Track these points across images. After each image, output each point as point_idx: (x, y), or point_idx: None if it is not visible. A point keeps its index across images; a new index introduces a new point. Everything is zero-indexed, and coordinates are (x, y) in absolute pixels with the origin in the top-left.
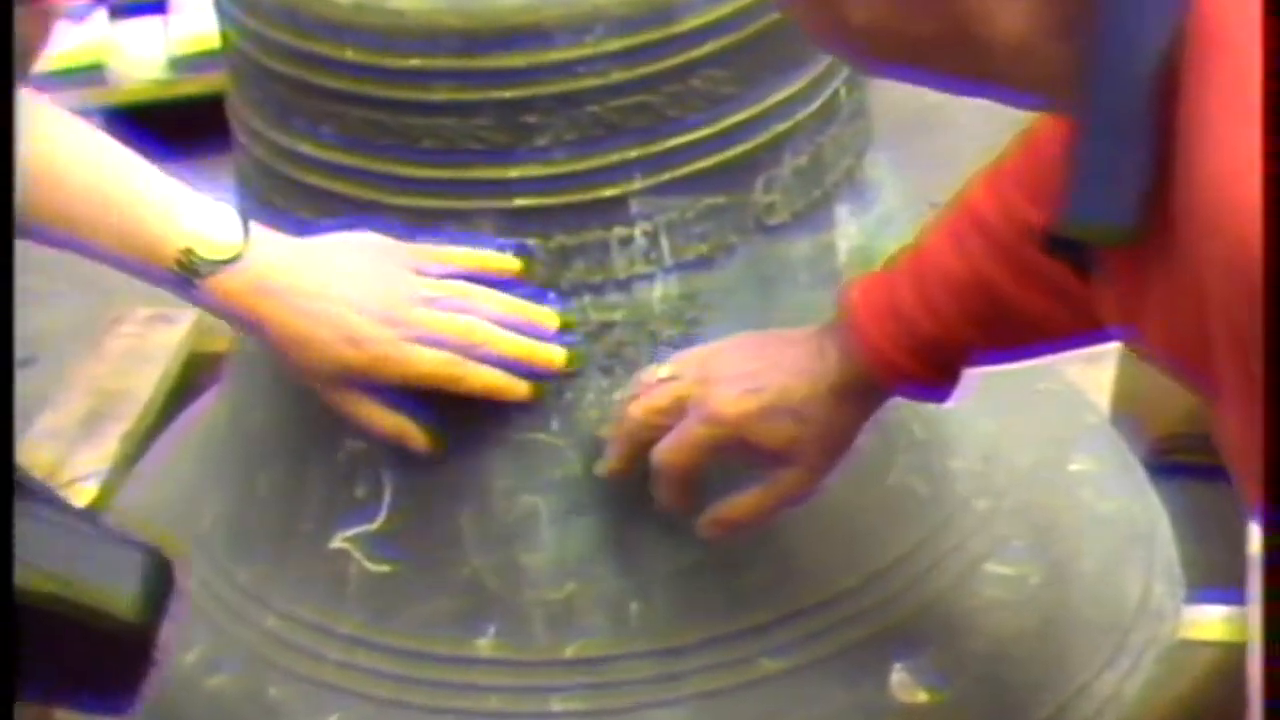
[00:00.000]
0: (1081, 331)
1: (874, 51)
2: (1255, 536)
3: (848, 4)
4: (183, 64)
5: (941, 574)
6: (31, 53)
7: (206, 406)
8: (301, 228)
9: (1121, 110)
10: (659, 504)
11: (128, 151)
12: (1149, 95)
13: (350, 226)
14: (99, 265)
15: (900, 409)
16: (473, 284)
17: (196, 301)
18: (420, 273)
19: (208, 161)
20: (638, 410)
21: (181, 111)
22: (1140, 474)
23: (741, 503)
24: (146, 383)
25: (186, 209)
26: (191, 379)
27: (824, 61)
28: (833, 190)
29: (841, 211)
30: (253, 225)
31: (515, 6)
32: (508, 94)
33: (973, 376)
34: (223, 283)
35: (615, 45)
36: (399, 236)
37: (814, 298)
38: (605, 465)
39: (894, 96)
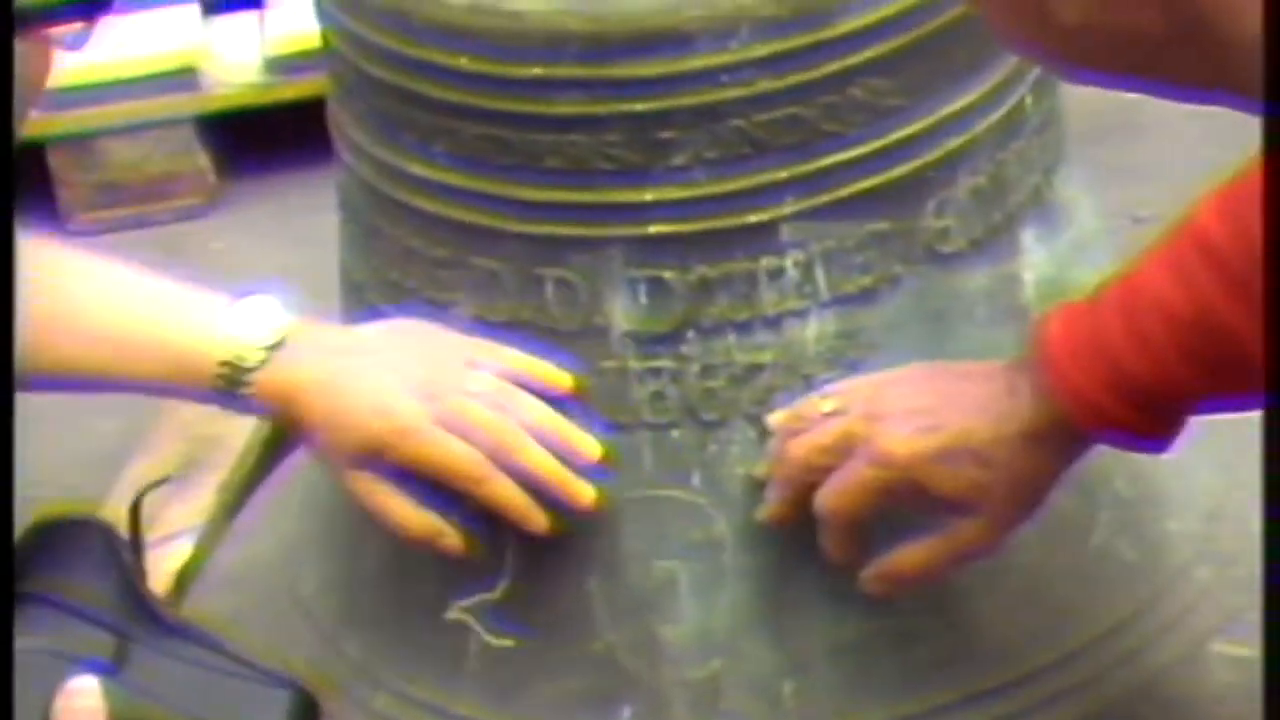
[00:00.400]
0: None
1: (1085, 56)
2: None
3: (1055, 1)
4: (280, 65)
5: (1158, 653)
6: (37, 86)
7: (307, 459)
8: (408, 256)
9: None
10: (825, 556)
11: (145, 278)
12: None
13: (457, 261)
14: None
15: (1103, 459)
16: (523, 391)
17: (244, 411)
18: (471, 365)
19: (308, 175)
20: (799, 449)
21: (279, 118)
22: None
23: (914, 555)
24: (241, 428)
25: (219, 324)
26: None
27: (1007, 65)
28: (1017, 213)
29: (1027, 237)
30: (298, 318)
31: (649, 8)
32: (641, 107)
33: (1193, 424)
34: (263, 378)
35: (763, 51)
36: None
37: (994, 336)
38: (765, 511)
39: (1082, 96)
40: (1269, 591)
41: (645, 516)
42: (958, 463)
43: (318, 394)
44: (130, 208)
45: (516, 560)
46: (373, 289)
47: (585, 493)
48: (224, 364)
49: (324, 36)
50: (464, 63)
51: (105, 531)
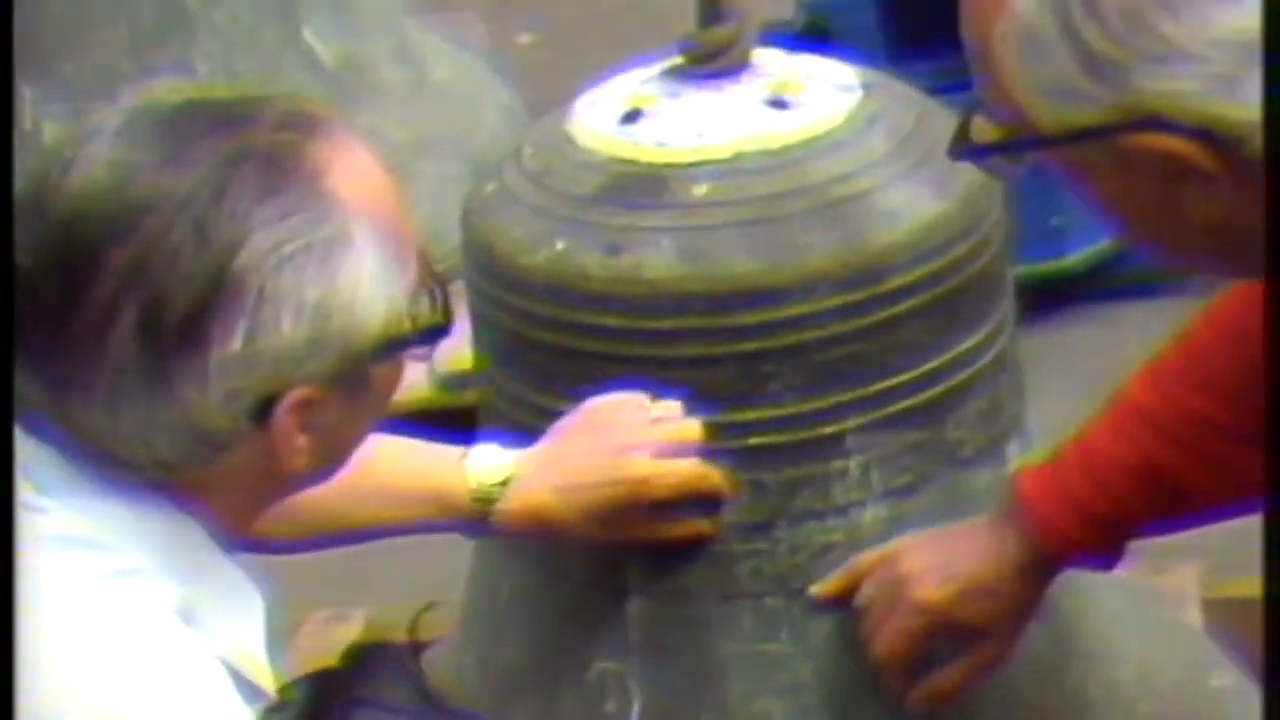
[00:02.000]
0: (1235, 502)
1: (1195, 247)
2: None
3: (1191, 208)
4: (449, 381)
5: None
6: (391, 395)
7: None
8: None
9: None
10: (882, 687)
11: (397, 439)
12: None
13: None
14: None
15: (1070, 624)
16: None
17: (496, 533)
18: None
19: None
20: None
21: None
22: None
23: (949, 676)
24: None
25: (464, 457)
26: None
27: (998, 317)
28: (1006, 430)
29: (1012, 449)
30: (519, 456)
31: (752, 270)
32: (747, 347)
33: (1122, 597)
34: (510, 502)
35: (835, 302)
36: None
37: None
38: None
39: None
40: (1269, 591)
41: (747, 667)
42: (977, 600)
43: (564, 494)
44: None
45: (643, 707)
46: None
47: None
48: (476, 499)
49: (475, 356)
50: (610, 321)
51: (398, 648)
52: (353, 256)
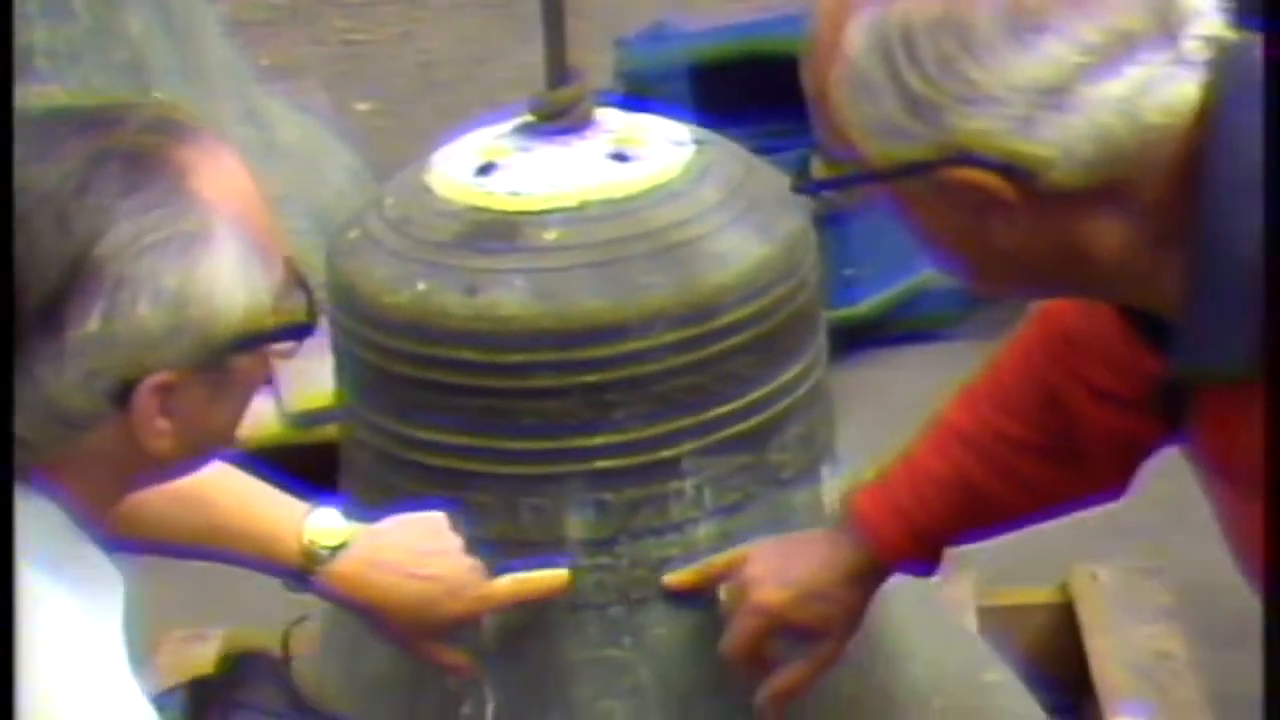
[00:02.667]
0: (1037, 514)
1: (1002, 274)
2: None
3: (997, 235)
4: (299, 419)
5: None
6: (256, 387)
7: None
8: (414, 501)
9: (1229, 284)
10: (738, 684)
11: (251, 478)
12: (1250, 270)
13: (456, 500)
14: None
15: (880, 629)
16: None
17: (314, 590)
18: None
19: None
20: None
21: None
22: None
23: (790, 675)
24: None
25: (305, 515)
26: None
27: (813, 351)
28: (820, 454)
29: (825, 471)
30: (354, 526)
31: (598, 308)
32: (594, 379)
33: (914, 605)
34: (338, 569)
35: (672, 337)
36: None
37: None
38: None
39: None
40: (1269, 592)
41: (592, 671)
42: (811, 604)
43: (396, 585)
44: None
45: (497, 709)
46: None
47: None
48: (304, 553)
49: (336, 392)
50: (466, 354)
51: (271, 658)
52: (213, 250)
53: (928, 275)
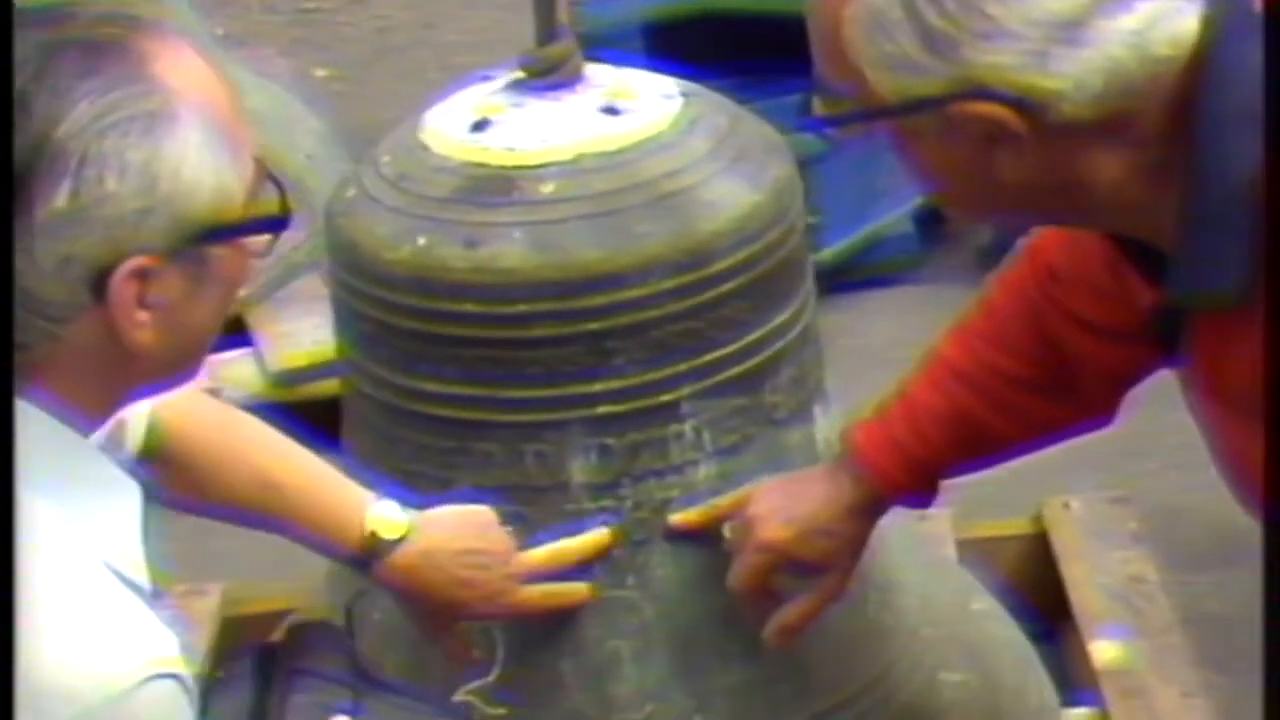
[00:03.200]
0: (1031, 444)
1: (1004, 204)
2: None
3: (1001, 167)
4: (285, 378)
5: (912, 681)
6: (236, 283)
7: None
8: (421, 451)
9: (1223, 212)
10: (747, 618)
11: (320, 462)
12: (1244, 198)
13: (462, 449)
14: None
15: (871, 561)
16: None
17: (373, 577)
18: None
19: None
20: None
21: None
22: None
23: (796, 609)
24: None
25: (369, 502)
26: (228, 641)
27: (803, 295)
28: (812, 395)
29: (817, 411)
30: (417, 517)
31: (596, 257)
32: (594, 327)
33: (901, 539)
34: (396, 560)
35: (669, 284)
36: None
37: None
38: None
39: None
40: (1270, 592)
41: (598, 611)
42: (814, 539)
43: (443, 585)
44: None
45: (507, 652)
46: (389, 481)
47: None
48: (369, 535)
49: (339, 345)
50: (469, 307)
51: (334, 626)
52: (178, 129)
53: (887, 221)
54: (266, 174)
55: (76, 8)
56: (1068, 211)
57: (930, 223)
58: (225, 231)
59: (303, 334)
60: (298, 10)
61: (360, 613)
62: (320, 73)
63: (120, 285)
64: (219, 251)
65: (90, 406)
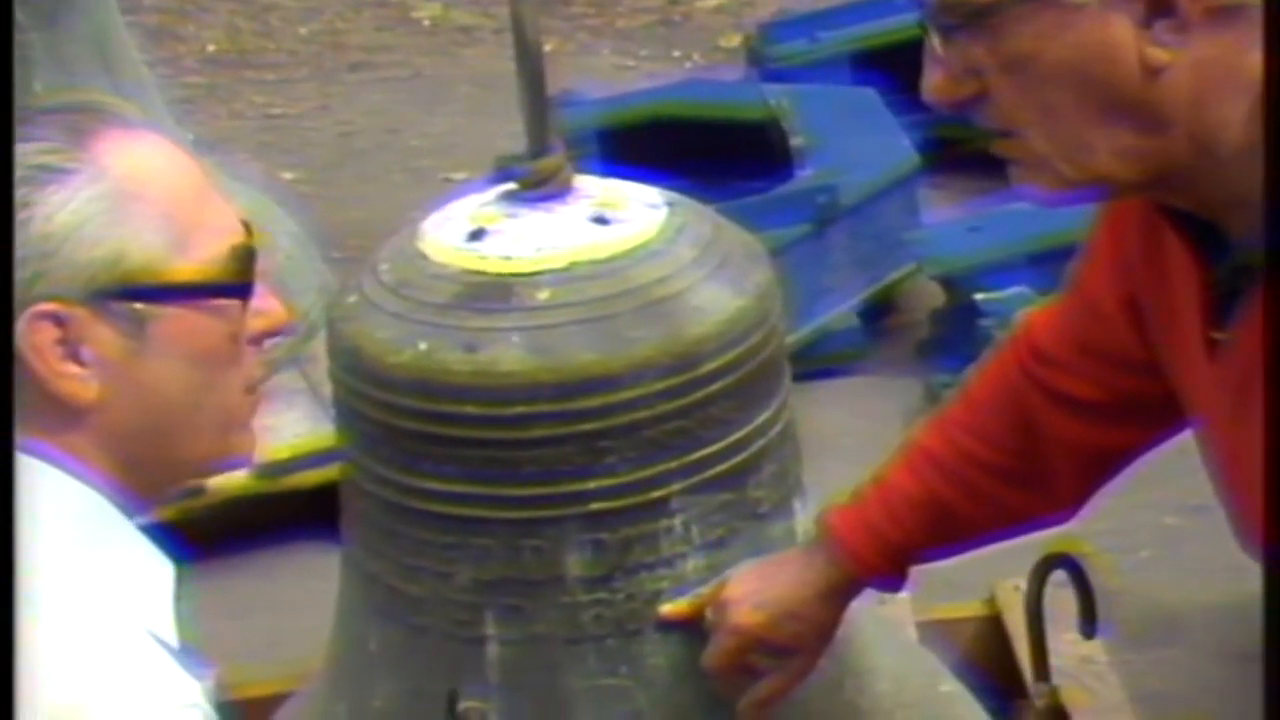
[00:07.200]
0: (1000, 533)
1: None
2: None
3: (1155, 55)
4: (271, 469)
5: None
6: (197, 354)
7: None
8: (421, 547)
9: None
10: (722, 697)
11: None
12: None
13: (461, 544)
14: None
15: (846, 646)
16: None
17: None
18: None
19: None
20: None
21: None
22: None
23: (767, 687)
24: None
25: None
26: None
27: (783, 394)
28: (792, 489)
29: (797, 505)
30: None
31: (591, 361)
32: (589, 427)
33: (873, 624)
34: None
35: (660, 386)
36: None
37: None
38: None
39: None
40: (1270, 591)
41: (592, 699)
42: (784, 623)
43: None
44: None
45: None
46: (388, 574)
47: None
48: None
49: (339, 431)
50: (469, 409)
51: None
52: (86, 188)
53: (834, 316)
54: (246, 251)
55: (69, 98)
56: (1171, 159)
57: (875, 317)
58: (150, 291)
59: (284, 427)
60: (264, 116)
61: (359, 701)
62: (287, 175)
63: (26, 326)
64: (161, 312)
65: (121, 479)
